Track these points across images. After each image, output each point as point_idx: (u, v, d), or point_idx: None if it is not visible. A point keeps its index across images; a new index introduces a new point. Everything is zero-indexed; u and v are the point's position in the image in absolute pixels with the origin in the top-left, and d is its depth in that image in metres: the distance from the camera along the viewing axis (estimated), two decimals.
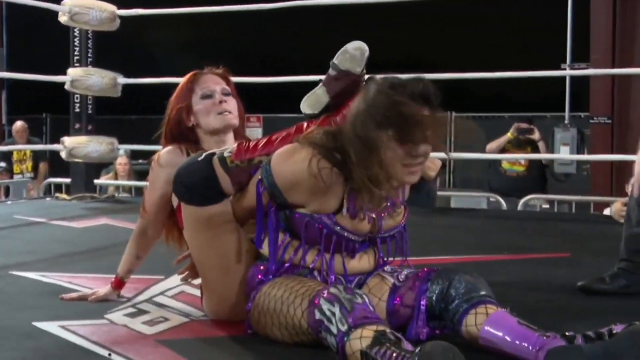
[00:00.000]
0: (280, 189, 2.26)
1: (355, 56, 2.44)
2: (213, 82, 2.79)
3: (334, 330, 2.01)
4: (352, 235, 2.28)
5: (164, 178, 2.66)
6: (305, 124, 2.44)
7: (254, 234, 2.42)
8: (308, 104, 2.47)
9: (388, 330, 1.98)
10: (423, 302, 2.25)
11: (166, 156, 2.72)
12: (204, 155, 2.39)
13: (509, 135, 7.05)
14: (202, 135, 2.77)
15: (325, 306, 2.04)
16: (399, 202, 2.35)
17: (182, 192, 2.41)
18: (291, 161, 2.24)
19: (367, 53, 2.44)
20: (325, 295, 2.06)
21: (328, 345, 2.04)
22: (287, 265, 2.31)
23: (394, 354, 1.89)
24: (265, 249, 2.35)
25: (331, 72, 2.46)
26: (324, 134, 2.25)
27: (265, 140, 2.41)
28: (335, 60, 2.46)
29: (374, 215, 2.28)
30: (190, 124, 2.76)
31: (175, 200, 2.63)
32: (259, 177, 2.30)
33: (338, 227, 2.26)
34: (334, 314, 2.02)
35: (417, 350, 1.85)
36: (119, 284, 2.79)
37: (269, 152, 2.35)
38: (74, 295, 2.81)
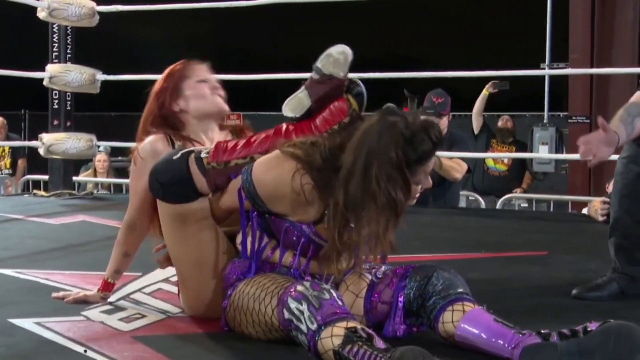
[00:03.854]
0: (262, 199, 2.25)
1: (338, 60, 2.41)
2: (207, 71, 2.80)
3: (304, 329, 2.01)
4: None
5: (149, 168, 2.63)
6: (284, 126, 2.43)
7: (231, 228, 2.42)
8: (290, 107, 2.44)
9: (359, 326, 1.98)
10: (401, 299, 2.26)
11: (150, 145, 2.66)
12: (180, 153, 2.37)
13: (484, 92, 7.10)
14: (190, 120, 2.72)
15: (293, 305, 2.04)
16: None
17: (156, 189, 2.40)
18: (274, 173, 2.23)
19: (350, 57, 2.42)
20: (292, 293, 2.06)
21: (300, 343, 2.04)
22: (264, 264, 2.31)
23: (367, 353, 1.89)
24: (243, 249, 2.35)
25: (314, 75, 2.44)
26: (310, 147, 2.23)
27: (243, 142, 2.39)
28: (318, 63, 2.44)
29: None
30: (177, 109, 2.72)
31: None
32: (240, 184, 2.29)
33: (316, 237, 2.26)
34: (302, 312, 2.02)
35: (388, 356, 1.86)
36: (106, 286, 2.71)
37: (247, 154, 2.34)
38: (60, 294, 2.75)
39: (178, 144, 2.68)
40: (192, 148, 2.43)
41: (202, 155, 2.36)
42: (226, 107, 2.77)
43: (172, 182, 2.35)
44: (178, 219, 2.39)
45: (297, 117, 2.43)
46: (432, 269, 2.27)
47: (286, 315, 2.06)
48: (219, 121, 2.80)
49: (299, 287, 2.07)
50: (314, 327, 2.00)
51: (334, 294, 2.06)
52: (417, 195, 2.26)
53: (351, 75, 2.46)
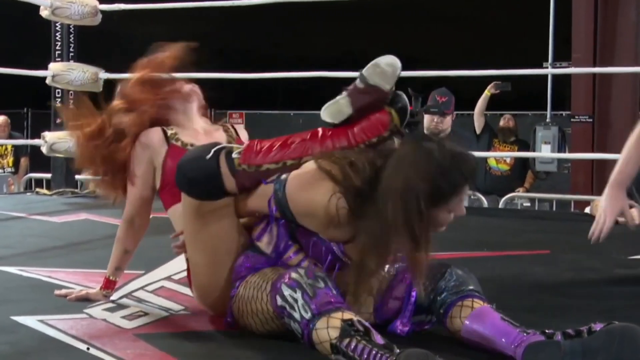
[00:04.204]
0: (294, 215, 2.22)
1: (386, 72, 2.33)
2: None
3: (297, 317, 2.01)
4: None
5: (144, 162, 2.63)
6: (320, 131, 2.35)
7: (249, 221, 2.40)
8: (329, 113, 2.35)
9: (355, 318, 1.98)
10: (414, 294, 2.26)
11: (144, 138, 2.67)
12: (212, 151, 2.30)
13: (486, 92, 7.09)
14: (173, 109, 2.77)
15: (286, 292, 2.04)
16: None
17: (184, 184, 2.34)
18: (309, 193, 2.19)
19: (399, 70, 2.35)
20: (286, 280, 2.06)
21: (294, 330, 2.04)
22: (282, 264, 2.28)
23: (367, 349, 1.89)
24: (262, 245, 2.32)
25: (358, 84, 2.34)
26: (349, 167, 2.17)
27: (278, 144, 2.32)
28: (364, 72, 2.34)
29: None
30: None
31: (157, 182, 2.62)
32: (271, 194, 2.25)
33: (344, 257, 2.24)
34: (296, 300, 2.02)
35: (393, 358, 1.85)
36: (107, 284, 2.70)
37: (280, 159, 2.29)
38: (63, 292, 2.75)
39: (171, 132, 2.68)
40: (223, 145, 2.36)
41: (234, 155, 2.30)
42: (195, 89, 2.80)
43: (200, 179, 2.29)
44: (200, 211, 2.33)
45: (336, 124, 2.36)
46: (446, 266, 2.27)
47: (279, 302, 2.05)
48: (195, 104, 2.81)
49: (293, 275, 2.06)
50: (308, 316, 1.99)
51: (329, 283, 2.06)
52: (448, 222, 2.21)
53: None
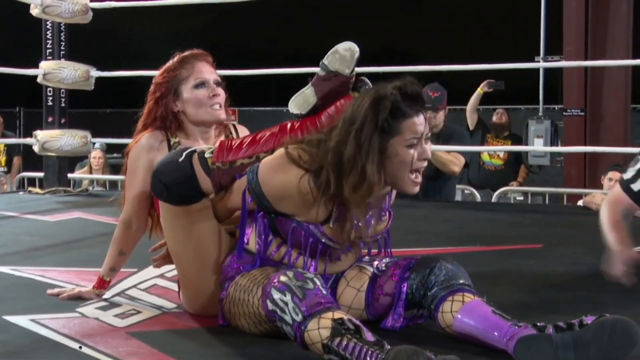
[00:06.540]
0: (268, 199, 2.23)
1: (344, 57, 2.39)
2: (207, 70, 2.72)
3: (289, 320, 2.00)
4: (338, 245, 2.28)
5: (145, 164, 2.61)
6: (289, 124, 2.40)
7: (231, 226, 2.40)
8: (296, 104, 2.42)
9: (345, 317, 1.98)
10: (404, 289, 2.26)
11: (146, 141, 2.65)
12: (184, 154, 2.33)
13: (479, 90, 7.10)
14: (187, 122, 2.70)
15: (276, 296, 2.03)
16: (385, 209, 2.34)
17: (159, 190, 2.35)
18: (281, 175, 2.20)
19: (357, 54, 2.41)
20: (275, 284, 2.05)
21: (286, 334, 2.04)
22: (268, 260, 2.29)
23: (357, 347, 1.89)
24: (250, 246, 2.32)
25: (320, 72, 2.42)
26: (316, 146, 2.20)
27: (248, 140, 2.36)
28: (324, 60, 2.42)
29: (360, 224, 2.24)
30: (176, 109, 2.69)
31: None
32: (246, 185, 2.26)
33: (324, 238, 2.25)
34: (286, 303, 2.01)
35: (383, 357, 1.85)
36: (101, 283, 2.69)
37: (253, 154, 2.32)
38: (55, 291, 2.74)
39: (174, 140, 2.67)
40: (194, 147, 2.39)
41: (206, 155, 2.32)
42: (223, 116, 2.73)
43: (175, 183, 2.30)
44: (180, 218, 2.35)
45: (303, 114, 2.42)
46: (435, 260, 2.27)
47: (270, 306, 2.05)
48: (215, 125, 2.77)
49: (282, 278, 2.06)
50: (299, 318, 1.99)
51: (318, 283, 2.05)
52: (419, 171, 2.20)
53: None
